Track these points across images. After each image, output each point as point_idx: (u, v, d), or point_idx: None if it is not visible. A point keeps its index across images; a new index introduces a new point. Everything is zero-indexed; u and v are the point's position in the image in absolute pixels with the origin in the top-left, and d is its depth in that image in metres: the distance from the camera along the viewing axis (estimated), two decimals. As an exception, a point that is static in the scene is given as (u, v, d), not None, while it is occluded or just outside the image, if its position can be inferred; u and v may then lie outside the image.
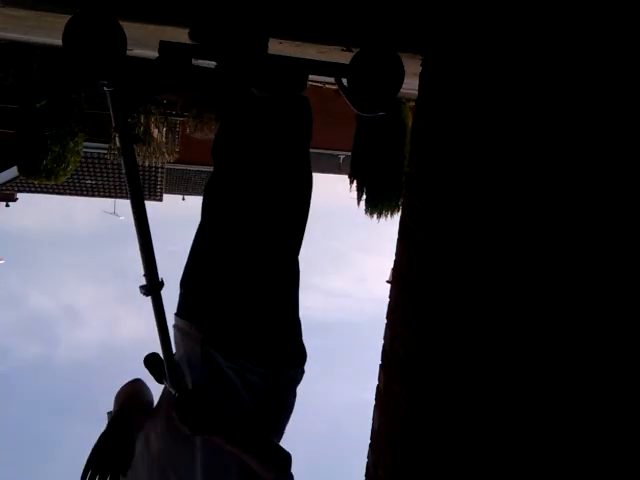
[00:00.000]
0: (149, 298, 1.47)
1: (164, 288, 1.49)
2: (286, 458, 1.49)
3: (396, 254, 2.20)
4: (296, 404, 1.62)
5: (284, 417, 1.57)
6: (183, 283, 1.65)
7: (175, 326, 1.64)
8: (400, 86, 1.60)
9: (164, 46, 1.47)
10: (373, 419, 2.23)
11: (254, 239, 1.60)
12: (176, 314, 1.64)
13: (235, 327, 1.56)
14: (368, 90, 1.59)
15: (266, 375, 1.54)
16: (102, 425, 1.63)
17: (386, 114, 1.66)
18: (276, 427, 1.55)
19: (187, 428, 1.37)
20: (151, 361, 1.56)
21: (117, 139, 1.37)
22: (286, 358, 1.60)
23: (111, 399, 1.65)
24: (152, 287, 1.45)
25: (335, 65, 1.64)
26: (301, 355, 1.65)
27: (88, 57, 1.31)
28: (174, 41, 1.50)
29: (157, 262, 1.49)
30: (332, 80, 1.71)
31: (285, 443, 1.58)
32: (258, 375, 1.53)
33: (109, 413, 1.61)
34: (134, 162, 1.40)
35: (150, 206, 1.40)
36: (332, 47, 2.11)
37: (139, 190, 1.41)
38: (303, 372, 1.65)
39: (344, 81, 1.62)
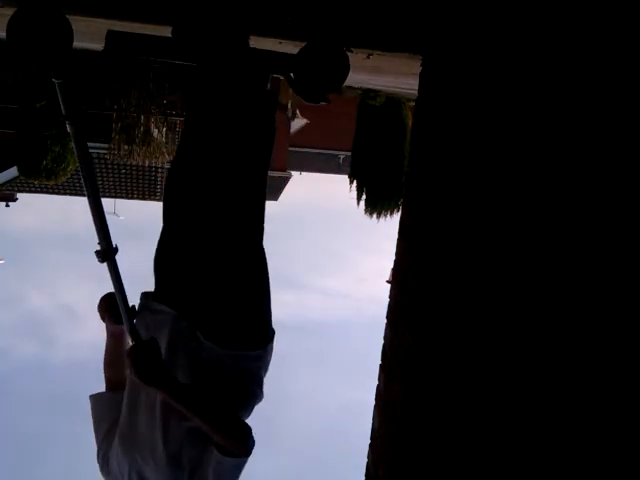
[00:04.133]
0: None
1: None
2: (245, 429, 1.52)
3: (396, 254, 2.20)
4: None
5: (249, 394, 1.61)
6: (155, 263, 1.68)
7: (149, 309, 1.66)
8: (344, 77, 1.68)
9: (111, 36, 1.52)
10: (373, 419, 2.23)
11: (217, 218, 1.63)
12: (153, 298, 1.66)
13: (203, 307, 1.60)
14: (312, 81, 1.67)
15: (230, 355, 1.58)
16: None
17: (329, 103, 1.75)
18: (242, 403, 1.59)
19: (138, 376, 1.43)
20: (111, 301, 1.60)
21: (68, 126, 1.44)
22: (250, 339, 1.64)
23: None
24: (107, 252, 1.51)
25: (284, 56, 1.70)
26: (266, 336, 1.68)
27: (33, 50, 1.36)
28: (121, 30, 1.55)
29: (152, 264, 1.55)
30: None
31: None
32: (221, 353, 1.57)
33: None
34: (85, 146, 1.47)
35: (150, 206, 1.44)
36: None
37: (91, 166, 1.51)
38: (270, 351, 1.68)
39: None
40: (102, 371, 1.72)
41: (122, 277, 1.56)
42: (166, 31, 1.71)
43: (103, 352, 1.70)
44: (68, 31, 1.38)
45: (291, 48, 2.15)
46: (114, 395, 1.67)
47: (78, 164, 1.49)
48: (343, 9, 1.73)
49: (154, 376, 1.44)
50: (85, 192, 1.49)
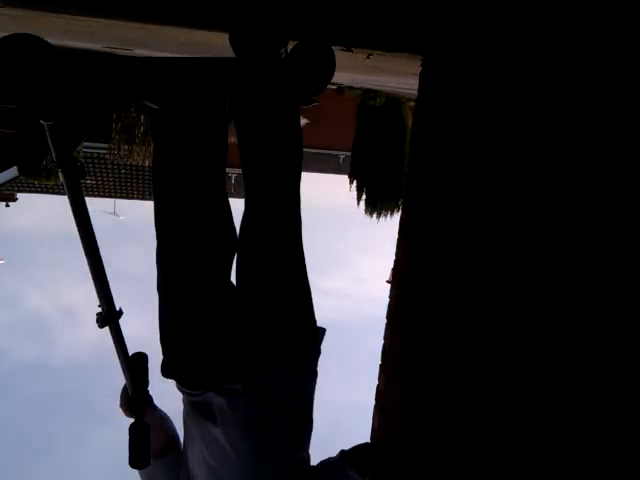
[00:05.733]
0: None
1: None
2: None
3: (396, 254, 2.20)
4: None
5: (312, 397, 1.61)
6: (168, 334, 1.49)
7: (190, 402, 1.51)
8: (331, 76, 1.60)
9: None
10: (373, 419, 2.23)
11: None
12: (184, 387, 1.50)
13: (253, 338, 1.49)
14: (304, 81, 1.58)
15: (293, 370, 1.52)
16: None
17: (319, 104, 1.66)
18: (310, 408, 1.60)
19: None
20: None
21: (60, 175, 1.26)
22: (309, 341, 1.58)
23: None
24: (109, 317, 1.39)
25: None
26: (316, 333, 1.62)
27: (14, 89, 1.10)
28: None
29: (152, 264, 1.46)
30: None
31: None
32: (285, 373, 1.50)
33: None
34: (81, 197, 1.30)
35: (150, 206, 1.39)
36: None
37: (88, 222, 1.33)
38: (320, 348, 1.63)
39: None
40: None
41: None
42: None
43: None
44: (58, 63, 1.12)
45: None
46: (165, 459, 1.59)
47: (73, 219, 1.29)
48: (329, 5, 1.68)
49: None
50: (82, 250, 1.33)
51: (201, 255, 1.48)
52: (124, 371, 1.47)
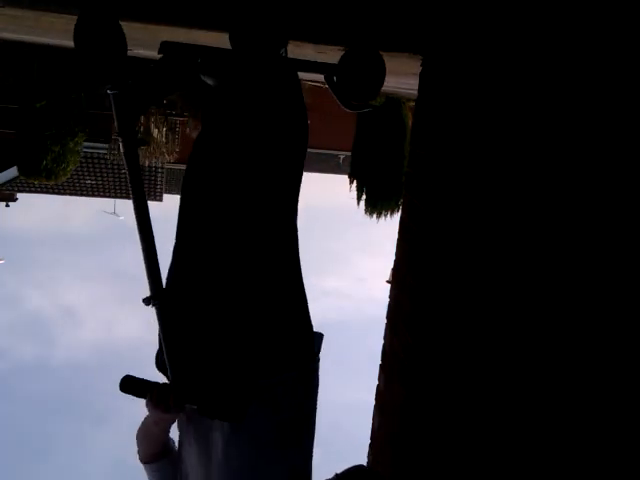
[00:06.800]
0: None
1: None
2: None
3: (396, 254, 2.20)
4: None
5: (314, 407, 1.62)
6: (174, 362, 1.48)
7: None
8: (382, 83, 1.62)
9: (166, 46, 1.45)
10: (373, 419, 2.23)
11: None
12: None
13: (250, 348, 1.48)
14: (356, 88, 1.61)
15: (292, 378, 1.52)
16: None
17: (372, 110, 1.69)
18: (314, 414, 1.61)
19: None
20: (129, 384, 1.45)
21: (120, 144, 1.32)
22: (305, 348, 1.57)
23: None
24: (153, 296, 1.40)
25: (325, 65, 1.66)
26: (312, 339, 1.61)
27: (93, 59, 1.27)
28: (176, 41, 1.48)
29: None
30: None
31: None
32: (285, 381, 1.50)
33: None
34: (138, 168, 1.34)
35: (150, 206, 1.38)
36: (332, 47, 2.11)
37: (143, 197, 1.35)
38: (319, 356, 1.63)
39: (334, 79, 1.62)
40: (141, 443, 1.59)
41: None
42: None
43: (143, 428, 1.56)
44: (122, 38, 1.29)
45: (313, 54, 2.14)
46: (165, 460, 1.60)
47: (129, 184, 1.32)
48: (378, 12, 1.70)
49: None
50: (136, 225, 1.35)
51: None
52: (166, 355, 1.45)
